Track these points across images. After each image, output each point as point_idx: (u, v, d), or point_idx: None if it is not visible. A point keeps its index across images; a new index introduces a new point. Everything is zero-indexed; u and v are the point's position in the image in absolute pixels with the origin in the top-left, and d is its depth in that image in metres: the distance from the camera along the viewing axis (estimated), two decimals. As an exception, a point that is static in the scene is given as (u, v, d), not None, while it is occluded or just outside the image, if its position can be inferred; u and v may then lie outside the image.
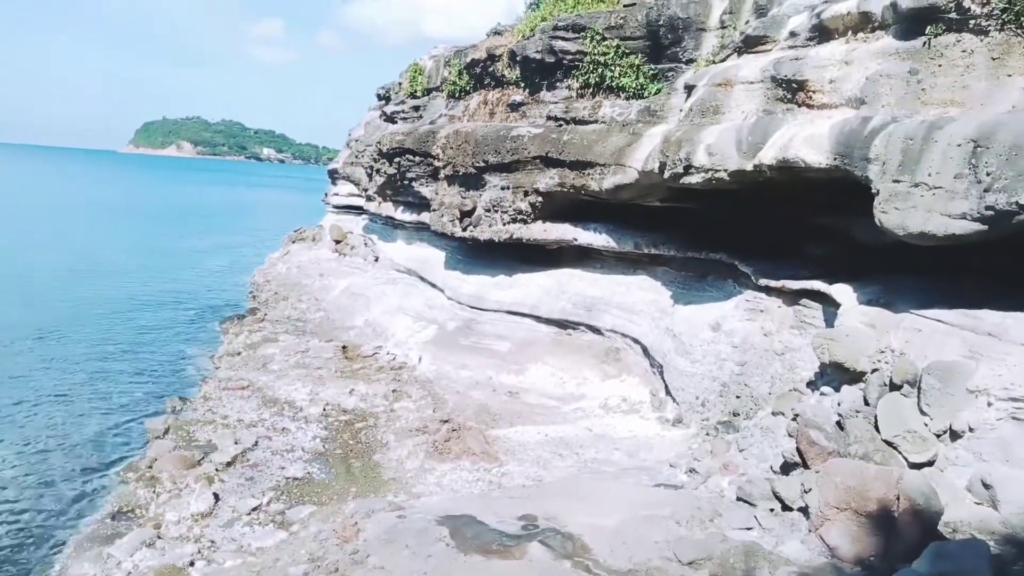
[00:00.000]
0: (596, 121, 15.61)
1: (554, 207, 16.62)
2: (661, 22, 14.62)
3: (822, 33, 10.92)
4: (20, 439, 13.27)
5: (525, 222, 17.04)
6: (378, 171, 22.97)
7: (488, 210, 17.72)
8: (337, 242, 29.37)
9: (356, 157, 25.87)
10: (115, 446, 13.37)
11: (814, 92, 10.54)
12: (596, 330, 15.81)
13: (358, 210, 29.19)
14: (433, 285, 21.39)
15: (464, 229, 18.35)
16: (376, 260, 26.00)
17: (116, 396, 15.93)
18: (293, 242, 33.52)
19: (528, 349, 16.30)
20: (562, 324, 16.61)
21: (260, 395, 15.37)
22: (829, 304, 10.70)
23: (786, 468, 8.55)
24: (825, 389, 9.50)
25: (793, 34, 11.52)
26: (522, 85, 18.17)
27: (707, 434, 11.66)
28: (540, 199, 16.48)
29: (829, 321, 10.53)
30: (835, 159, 9.52)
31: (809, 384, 10.18)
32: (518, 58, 17.66)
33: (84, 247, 38.94)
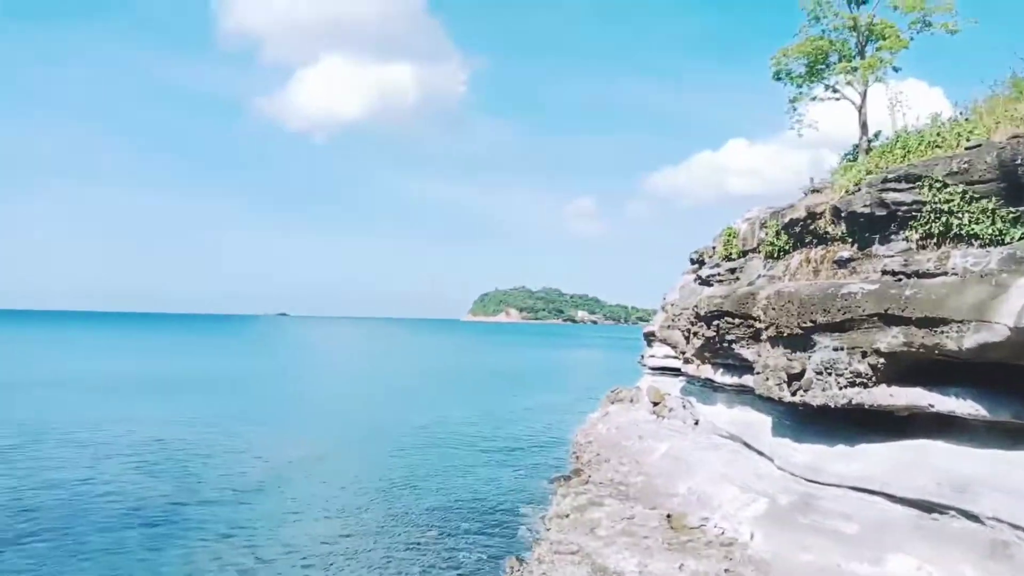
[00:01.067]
0: (944, 273, 14.06)
1: (900, 368, 14.93)
2: (1019, 161, 13.07)
3: None
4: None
5: (865, 385, 15.49)
6: (695, 334, 23.09)
7: (819, 373, 16.53)
8: (655, 404, 29.54)
9: (672, 320, 26.38)
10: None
11: None
12: (973, 516, 13.27)
13: (675, 372, 29.28)
14: (760, 452, 20.14)
15: (793, 393, 17.26)
16: (696, 424, 25.47)
17: (462, 554, 17.32)
18: (611, 403, 34.52)
19: (882, 534, 14.21)
20: (924, 506, 14.28)
21: (590, 562, 15.50)
22: None
23: None
24: None
25: None
26: (849, 241, 17.28)
27: None
28: (882, 360, 14.96)
29: None
30: None
31: None
32: (843, 214, 16.97)
33: (428, 406, 44.59)
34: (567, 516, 19.52)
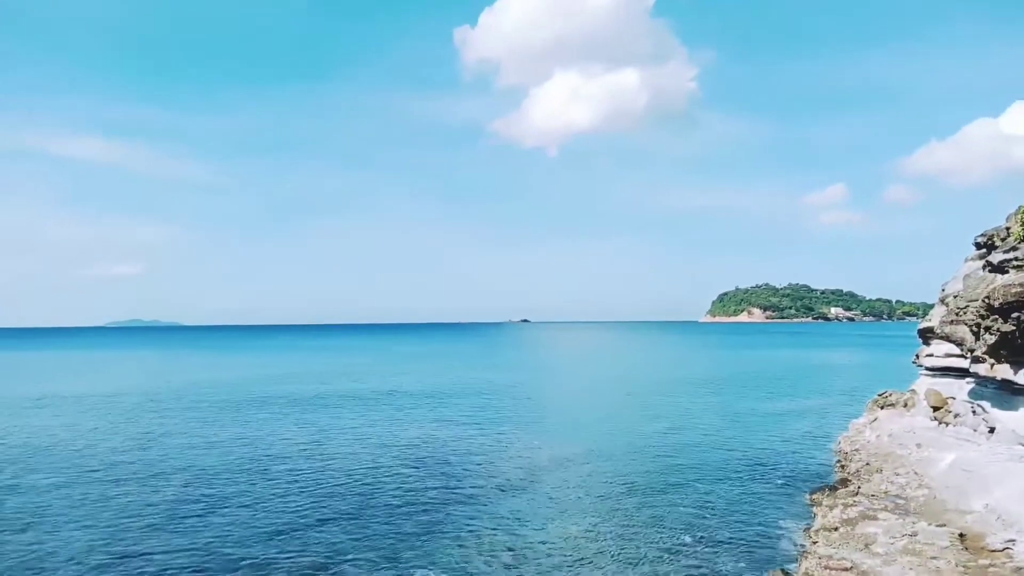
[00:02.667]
0: None
1: None
2: None
3: None
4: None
5: None
6: (988, 328, 20.00)
7: None
8: (935, 409, 26.08)
9: (956, 314, 23.09)
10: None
11: None
12: None
13: (960, 372, 25.61)
14: (1083, 467, 16.85)
15: None
16: (991, 431, 22.03)
17: (720, 561, 16.66)
18: (880, 407, 31.14)
19: None
20: None
21: (867, 582, 14.07)
22: None
23: None
24: None
25: None
26: None
27: None
28: None
29: None
30: None
31: None
32: None
33: (672, 410, 43.67)
34: (835, 529, 17.93)
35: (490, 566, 16.44)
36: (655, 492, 23.34)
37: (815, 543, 17.24)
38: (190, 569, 16.31)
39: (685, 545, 17.86)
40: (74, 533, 18.98)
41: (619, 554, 17.22)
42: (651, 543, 18.07)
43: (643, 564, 16.47)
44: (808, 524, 19.20)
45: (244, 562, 16.71)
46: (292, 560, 16.85)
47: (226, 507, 21.54)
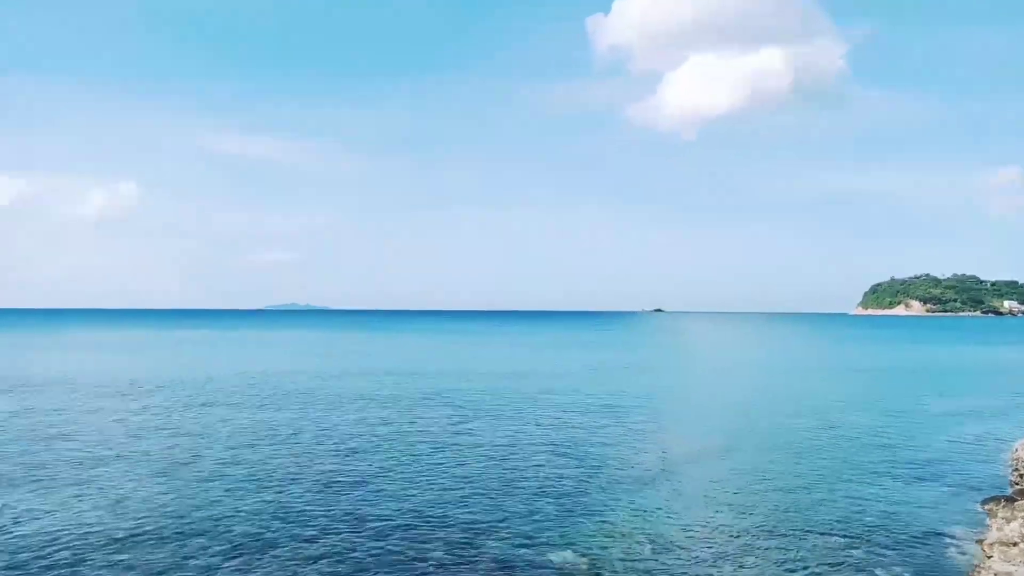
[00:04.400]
0: None
1: None
2: None
3: None
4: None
5: None
6: None
7: None
8: None
9: None
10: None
11: None
12: None
13: None
14: None
15: None
16: None
17: (878, 570, 15.58)
18: (1068, 412, 27.79)
19: None
20: None
21: (1055, 604, 12.64)
22: None
23: None
24: None
25: None
26: None
27: None
28: None
29: None
30: None
31: None
32: None
33: (819, 405, 41.24)
34: (1014, 545, 16.25)
35: (629, 555, 16.31)
36: (802, 488, 22.20)
37: (990, 557, 15.74)
38: (342, 533, 17.40)
39: (837, 547, 16.84)
40: (241, 487, 20.82)
41: (764, 551, 16.54)
42: (798, 541, 17.19)
43: (791, 564, 15.72)
44: (981, 535, 17.53)
45: (392, 536, 17.60)
46: (435, 535, 17.55)
47: (373, 480, 22.80)
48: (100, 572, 14.90)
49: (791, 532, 17.96)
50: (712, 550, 16.65)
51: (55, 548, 16.27)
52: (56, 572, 14.88)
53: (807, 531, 18.07)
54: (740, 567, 15.61)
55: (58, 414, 36.32)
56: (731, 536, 17.68)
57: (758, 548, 16.81)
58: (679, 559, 16.07)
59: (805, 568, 15.51)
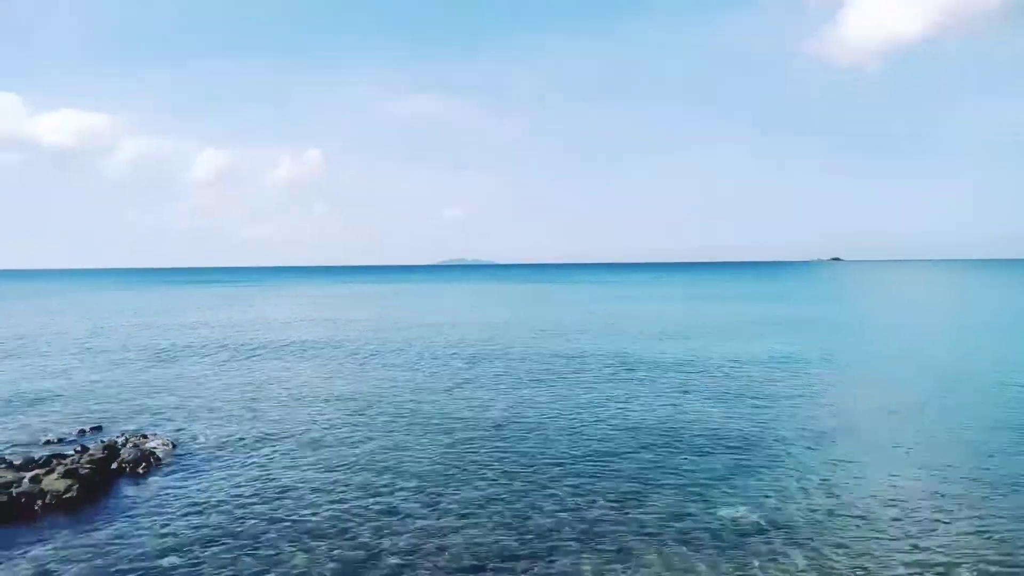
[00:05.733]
0: None
1: None
2: None
3: None
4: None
5: None
6: None
7: None
8: None
9: None
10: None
11: None
12: None
13: None
14: None
15: None
16: None
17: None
18: None
19: None
20: None
21: None
22: None
23: None
24: None
25: None
26: None
27: None
28: None
29: None
30: None
31: None
32: None
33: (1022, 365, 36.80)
34: None
35: (803, 513, 15.80)
36: (1002, 453, 20.16)
37: None
38: (514, 477, 18.33)
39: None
40: (422, 439, 22.49)
41: (952, 517, 15.33)
42: (991, 506, 15.75)
43: (982, 534, 14.47)
44: None
45: (561, 482, 18.27)
46: (602, 484, 17.99)
47: (543, 429, 23.66)
48: (305, 500, 16.90)
49: (997, 500, 16.49)
50: (893, 512, 15.71)
51: (267, 484, 18.64)
52: (264, 506, 17.07)
53: (1003, 496, 16.50)
54: (927, 531, 14.64)
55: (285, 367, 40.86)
56: (918, 499, 16.55)
57: (946, 512, 15.63)
58: (857, 520, 15.35)
59: (1000, 538, 14.24)
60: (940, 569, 12.93)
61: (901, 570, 12.95)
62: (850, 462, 19.65)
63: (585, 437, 22.60)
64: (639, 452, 20.85)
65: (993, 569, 12.89)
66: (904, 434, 22.75)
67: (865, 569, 13.02)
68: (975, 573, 12.72)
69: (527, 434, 23.05)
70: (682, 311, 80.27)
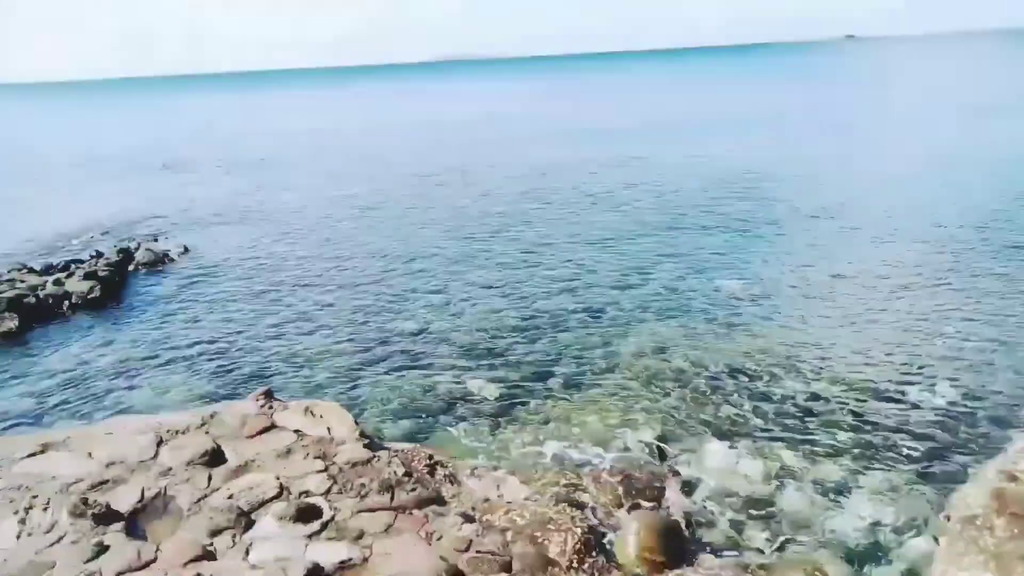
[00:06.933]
0: None
1: None
2: None
3: None
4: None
5: None
6: None
7: None
8: None
9: None
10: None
11: None
12: None
13: None
14: None
15: None
16: None
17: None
18: None
19: None
20: None
21: None
22: None
23: None
24: None
25: None
26: None
27: None
28: None
29: None
30: None
31: None
32: None
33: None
34: None
35: (794, 286, 16.44)
36: (987, 228, 20.46)
37: None
38: (526, 258, 18.94)
39: None
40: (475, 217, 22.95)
41: (946, 281, 15.93)
42: (999, 274, 16.33)
43: (984, 294, 15.10)
44: None
45: (566, 266, 18.84)
46: (605, 263, 18.58)
47: (560, 215, 24.01)
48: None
49: (974, 264, 17.01)
50: (885, 287, 16.30)
51: (283, 281, 19.30)
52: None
53: (997, 262, 17.02)
54: (912, 291, 15.29)
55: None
56: (912, 265, 17.11)
57: (935, 278, 16.22)
58: (847, 293, 15.99)
59: (987, 293, 14.89)
60: (925, 323, 13.64)
61: (887, 329, 13.70)
62: (842, 239, 20.08)
63: (587, 223, 22.99)
64: (639, 233, 21.32)
65: (979, 320, 13.61)
66: (901, 211, 22.96)
67: (853, 324, 13.78)
68: (961, 327, 13.44)
69: (531, 222, 23.44)
70: (674, 98, 77.73)
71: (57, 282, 17.94)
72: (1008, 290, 15.17)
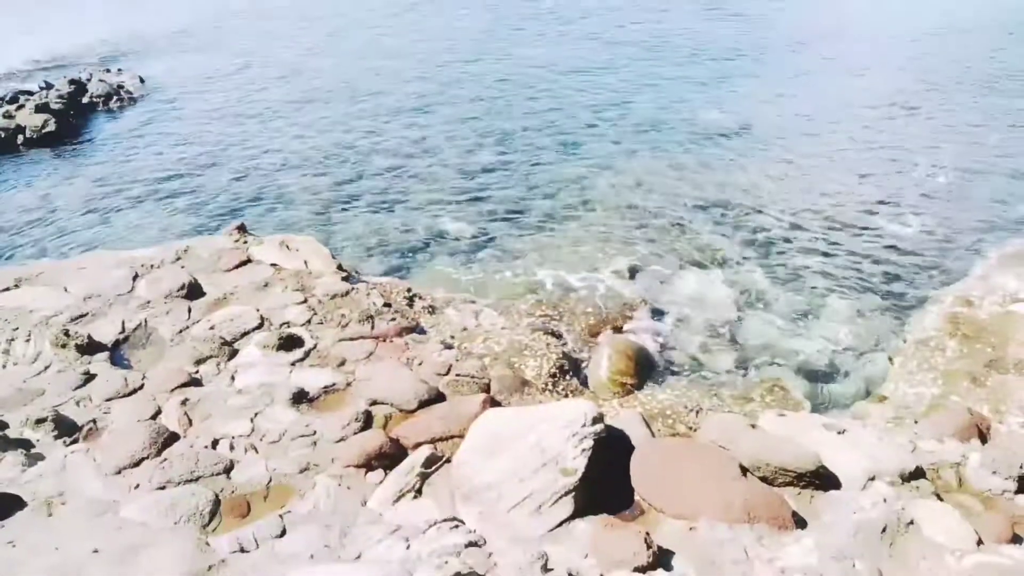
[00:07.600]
0: None
1: None
2: None
3: None
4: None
5: None
6: None
7: None
8: None
9: None
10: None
11: None
12: None
13: None
14: None
15: None
16: None
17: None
18: None
19: None
20: None
21: None
22: None
23: None
24: None
25: None
26: None
27: None
28: None
29: None
30: None
31: None
32: None
33: None
34: None
35: (774, 117, 16.14)
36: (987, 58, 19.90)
37: None
38: (507, 95, 18.27)
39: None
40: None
41: (924, 112, 15.74)
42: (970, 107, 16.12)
43: (955, 127, 14.98)
44: None
45: (544, 97, 18.18)
46: (585, 99, 17.96)
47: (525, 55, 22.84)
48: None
49: (946, 98, 16.74)
50: (863, 118, 16.05)
51: (247, 112, 18.43)
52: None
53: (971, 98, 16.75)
54: (884, 128, 15.15)
55: None
56: (889, 103, 16.81)
57: (911, 108, 16.01)
58: (825, 124, 15.76)
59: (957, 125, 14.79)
60: (901, 154, 13.62)
61: (863, 160, 13.67)
62: (828, 63, 19.50)
63: (565, 54, 21.96)
64: (624, 65, 20.48)
65: (953, 152, 13.61)
66: (880, 39, 22.18)
67: (830, 156, 13.73)
68: (936, 158, 13.45)
69: (507, 52, 22.34)
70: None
71: (7, 115, 16.99)
72: (984, 121, 15.09)
